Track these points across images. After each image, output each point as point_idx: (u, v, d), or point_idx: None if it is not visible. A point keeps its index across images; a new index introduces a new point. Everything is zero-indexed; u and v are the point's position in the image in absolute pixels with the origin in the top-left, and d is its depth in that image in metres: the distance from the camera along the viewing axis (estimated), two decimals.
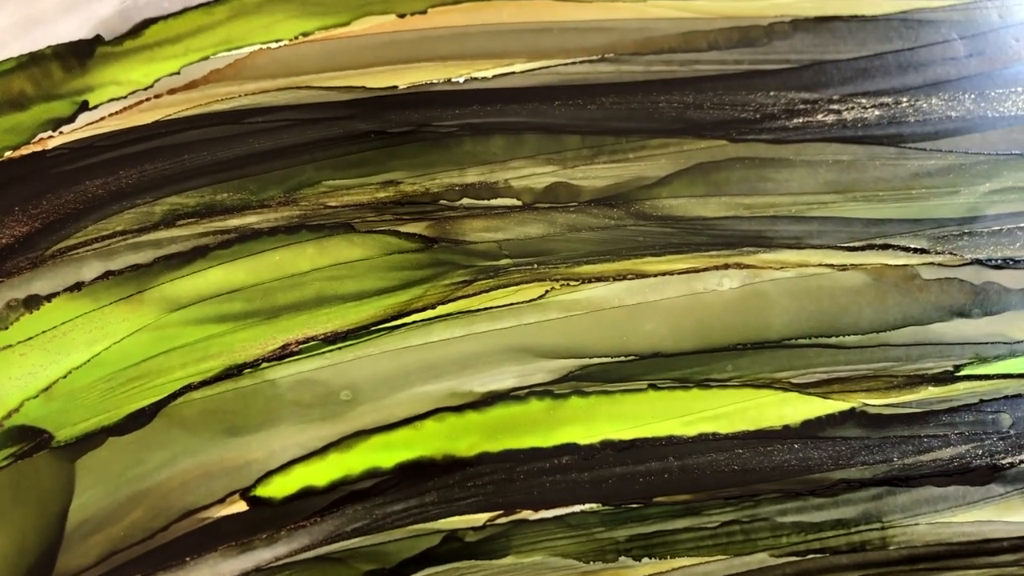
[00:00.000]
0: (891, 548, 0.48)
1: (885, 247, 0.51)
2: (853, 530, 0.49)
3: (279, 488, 0.49)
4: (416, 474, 0.49)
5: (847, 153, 0.50)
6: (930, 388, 0.50)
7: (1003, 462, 0.50)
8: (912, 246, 0.51)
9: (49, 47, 0.45)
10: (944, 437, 0.50)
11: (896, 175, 0.50)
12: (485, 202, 0.50)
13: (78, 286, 0.49)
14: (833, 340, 0.51)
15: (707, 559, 0.48)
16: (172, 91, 0.46)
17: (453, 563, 0.48)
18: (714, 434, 0.50)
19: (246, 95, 0.47)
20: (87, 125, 0.49)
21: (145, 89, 0.46)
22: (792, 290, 0.51)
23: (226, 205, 0.50)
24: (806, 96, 0.48)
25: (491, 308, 0.50)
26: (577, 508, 0.49)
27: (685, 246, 0.50)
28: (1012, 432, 0.50)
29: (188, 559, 0.48)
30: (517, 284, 0.50)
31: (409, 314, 0.50)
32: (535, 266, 0.50)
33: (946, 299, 0.51)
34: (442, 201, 0.49)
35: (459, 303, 0.50)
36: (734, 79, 0.48)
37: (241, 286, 0.50)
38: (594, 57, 0.48)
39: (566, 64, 0.48)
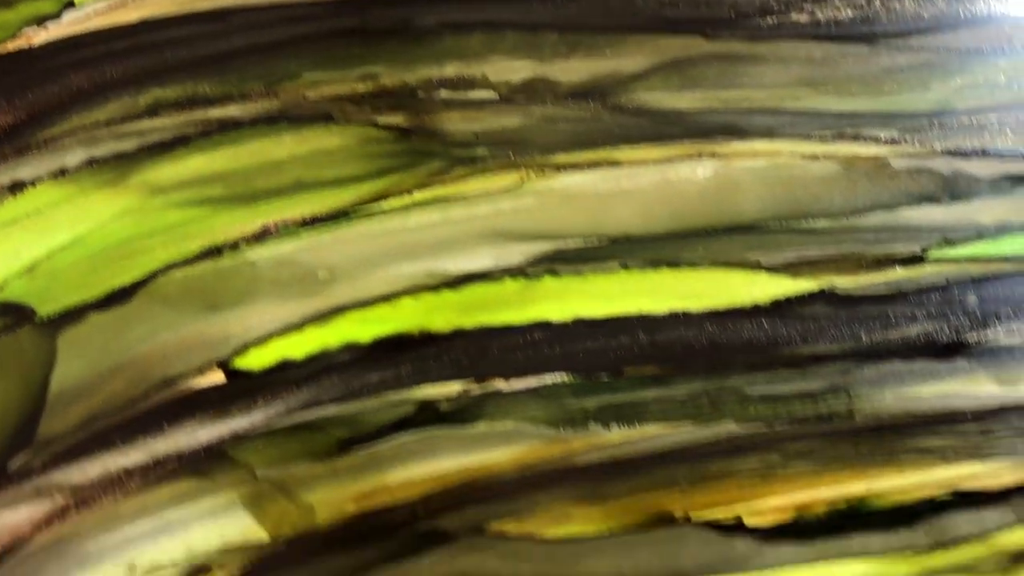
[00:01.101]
0: (857, 419, 0.58)
1: (856, 137, 0.61)
2: (820, 401, 0.58)
3: (257, 360, 0.58)
4: (392, 348, 0.59)
5: (820, 51, 0.61)
6: (898, 269, 0.60)
7: (969, 339, 0.59)
8: (883, 136, 0.61)
9: None
10: (911, 315, 0.59)
11: (868, 71, 0.61)
12: (463, 94, 0.60)
13: (62, 172, 0.59)
14: (803, 224, 0.60)
15: (675, 427, 0.57)
16: None
17: (426, 430, 0.57)
18: (684, 311, 0.59)
19: None
20: (73, 22, 0.60)
21: None
22: (764, 178, 0.60)
23: (208, 97, 0.60)
24: None
25: (467, 195, 0.60)
26: (548, 379, 0.58)
27: (659, 137, 0.60)
28: (978, 311, 0.59)
29: (166, 426, 0.57)
30: (493, 172, 0.60)
31: (386, 199, 0.60)
32: (511, 156, 0.60)
33: (915, 187, 0.61)
34: (420, 94, 0.60)
35: (435, 190, 0.60)
36: None
37: (222, 172, 0.60)
38: None
39: None
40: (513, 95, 0.55)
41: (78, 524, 0.51)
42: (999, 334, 0.54)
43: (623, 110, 0.55)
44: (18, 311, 0.53)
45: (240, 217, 0.55)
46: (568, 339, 0.54)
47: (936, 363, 0.54)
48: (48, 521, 0.51)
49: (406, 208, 0.55)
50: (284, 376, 0.54)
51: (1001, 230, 0.55)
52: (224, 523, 0.51)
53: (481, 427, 0.53)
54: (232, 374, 0.53)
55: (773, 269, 0.55)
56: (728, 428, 0.53)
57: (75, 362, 0.53)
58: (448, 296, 0.55)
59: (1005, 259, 0.55)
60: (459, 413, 0.53)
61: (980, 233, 0.55)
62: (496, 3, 0.55)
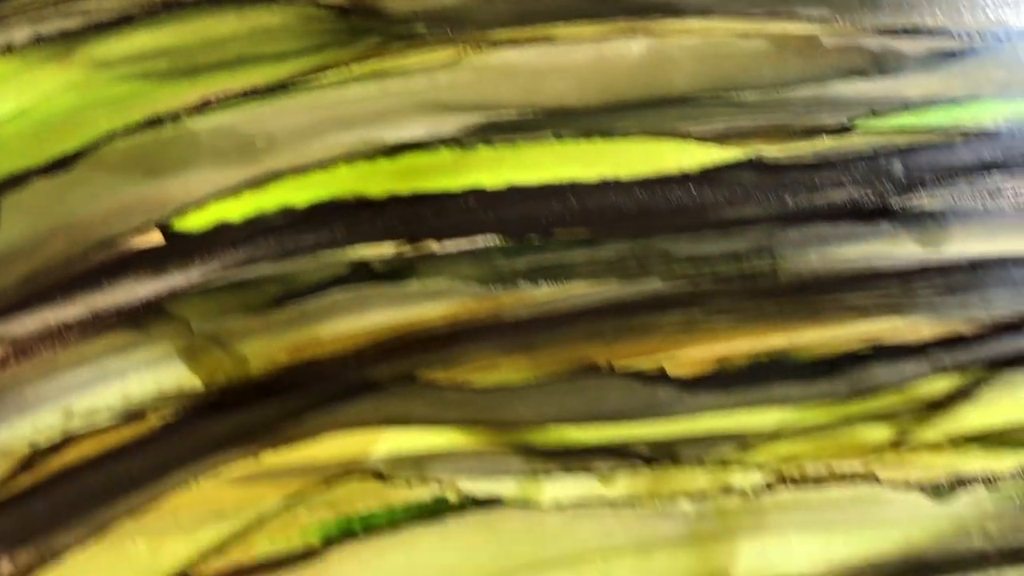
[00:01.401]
0: (781, 278, 0.67)
1: (788, 16, 0.70)
2: (744, 261, 0.67)
3: (195, 222, 0.67)
4: (327, 212, 0.68)
5: None
6: (826, 139, 0.69)
7: (893, 204, 0.68)
8: (814, 15, 0.70)
9: None
10: (838, 182, 0.68)
11: None
12: None
13: (9, 48, 0.68)
14: (733, 96, 0.70)
15: (602, 284, 0.67)
16: None
17: (359, 287, 0.66)
18: (615, 178, 0.69)
19: None
20: None
21: None
22: (696, 54, 0.70)
23: None
24: None
25: (405, 69, 0.69)
26: (480, 241, 0.67)
27: (595, 14, 0.70)
28: (903, 178, 0.69)
29: (105, 283, 0.66)
30: (431, 47, 0.70)
31: (325, 72, 0.69)
32: (449, 32, 0.70)
33: (845, 62, 0.70)
34: None
35: (373, 64, 0.69)
36: None
37: (165, 48, 0.69)
38: None
39: None
40: None
41: (17, 373, 0.60)
42: (923, 199, 0.63)
43: None
44: None
45: (182, 90, 0.64)
46: (501, 204, 0.63)
47: (860, 226, 0.63)
48: None
49: (344, 81, 0.64)
50: (221, 237, 0.62)
51: (927, 103, 0.64)
52: (159, 372, 0.60)
53: (413, 285, 0.62)
54: (171, 235, 0.62)
55: (703, 139, 0.64)
56: (653, 286, 0.62)
57: (18, 224, 0.62)
58: (383, 164, 0.64)
59: (931, 130, 0.64)
60: (392, 272, 0.62)
61: (907, 105, 0.64)
62: None
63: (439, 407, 0.55)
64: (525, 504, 0.53)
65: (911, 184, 0.59)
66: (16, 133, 0.59)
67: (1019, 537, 0.53)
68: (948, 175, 0.60)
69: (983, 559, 0.52)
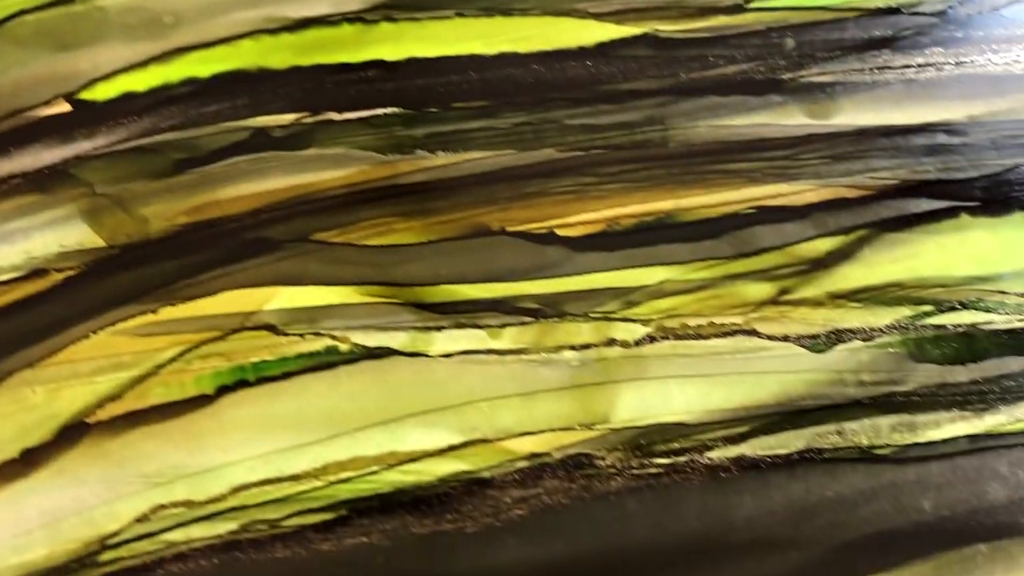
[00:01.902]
0: (671, 146, 0.70)
1: None
2: (636, 131, 0.70)
3: (102, 92, 0.71)
4: (230, 83, 0.72)
5: None
6: (720, 17, 0.73)
7: (783, 76, 0.72)
8: None
9: None
10: (730, 57, 0.72)
11: None
12: None
13: None
14: None
15: (498, 152, 0.70)
16: None
17: (259, 153, 0.70)
18: (513, 52, 0.72)
19: None
20: None
21: None
22: None
23: None
24: None
25: None
26: (380, 111, 0.71)
27: None
28: (794, 53, 0.72)
29: (12, 149, 0.70)
30: None
31: None
32: None
33: None
34: None
35: None
36: None
37: None
38: None
39: None
40: None
41: None
42: (812, 73, 0.67)
43: None
44: None
45: None
46: (401, 76, 0.67)
47: (751, 99, 0.67)
48: None
49: None
50: (126, 106, 0.66)
51: None
52: (63, 232, 0.63)
53: (312, 151, 0.65)
54: (77, 104, 0.66)
55: (600, 16, 0.68)
56: (547, 154, 0.65)
57: None
58: (287, 38, 0.67)
59: (822, 7, 0.68)
60: (291, 139, 0.66)
61: None
62: None
63: (334, 266, 0.58)
64: (415, 355, 0.56)
65: (801, 59, 0.62)
66: None
67: (892, 387, 0.56)
68: (838, 51, 0.63)
69: (856, 406, 0.56)
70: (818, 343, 0.56)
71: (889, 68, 0.62)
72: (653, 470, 0.53)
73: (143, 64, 0.61)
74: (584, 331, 0.56)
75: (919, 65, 0.63)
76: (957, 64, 0.63)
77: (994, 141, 0.60)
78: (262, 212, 0.59)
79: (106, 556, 0.52)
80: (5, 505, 0.53)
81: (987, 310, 0.56)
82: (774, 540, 0.52)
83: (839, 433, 0.54)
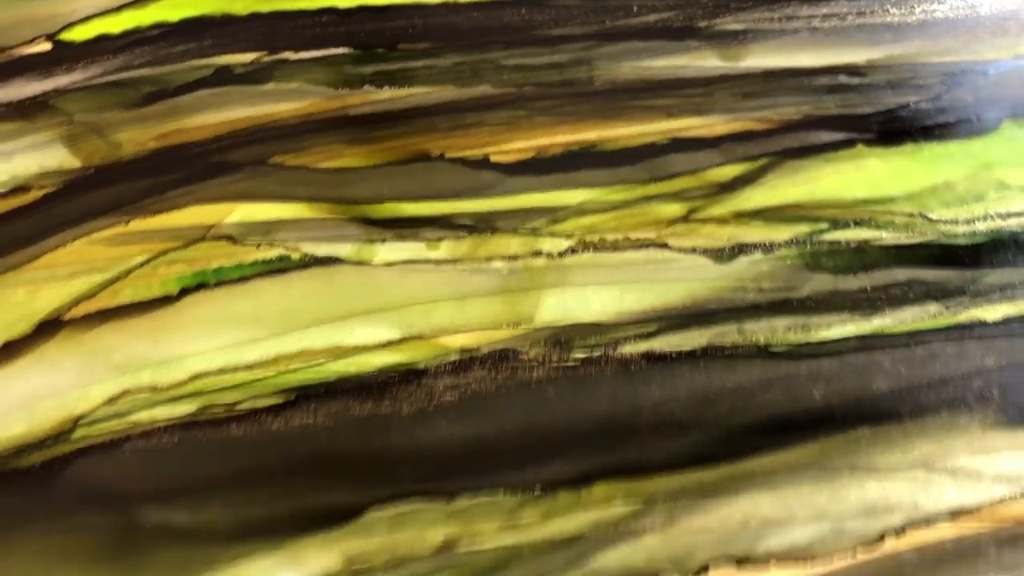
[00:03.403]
0: (595, 84, 0.84)
1: None
2: (564, 71, 0.84)
3: (79, 34, 0.85)
4: (196, 26, 0.86)
5: None
6: None
7: (700, 24, 0.86)
8: None
9: None
10: (652, 6, 0.86)
11: None
12: None
13: None
14: None
15: (439, 87, 0.84)
16: None
17: (222, 87, 0.84)
18: (455, 2, 0.86)
19: None
20: None
21: None
22: None
23: None
24: None
25: None
26: (332, 51, 0.85)
27: None
28: (710, 3, 0.87)
29: None
30: None
31: None
32: None
33: None
34: None
35: None
36: None
37: None
38: None
39: None
40: None
41: None
42: (726, 21, 0.81)
43: None
44: None
45: None
46: (351, 21, 0.80)
47: (669, 42, 0.80)
48: None
49: None
50: (101, 46, 0.79)
51: None
52: (43, 154, 0.76)
53: (270, 86, 0.79)
54: (57, 44, 0.80)
55: None
56: (484, 90, 0.79)
57: None
58: None
59: None
60: (251, 75, 0.79)
61: None
62: None
63: (287, 185, 0.71)
64: (360, 263, 0.69)
65: (717, 9, 0.76)
66: None
67: (788, 293, 0.69)
68: (750, 1, 0.77)
69: (756, 309, 0.69)
70: (722, 255, 0.68)
71: (796, 17, 0.75)
72: (571, 363, 0.65)
73: (117, 9, 0.74)
74: (513, 244, 0.69)
75: (824, 15, 0.76)
76: (858, 14, 0.76)
77: (890, 82, 0.73)
78: (224, 138, 0.71)
79: (78, 433, 0.65)
80: None
81: (878, 227, 0.68)
82: (678, 422, 0.63)
83: (739, 332, 0.66)
